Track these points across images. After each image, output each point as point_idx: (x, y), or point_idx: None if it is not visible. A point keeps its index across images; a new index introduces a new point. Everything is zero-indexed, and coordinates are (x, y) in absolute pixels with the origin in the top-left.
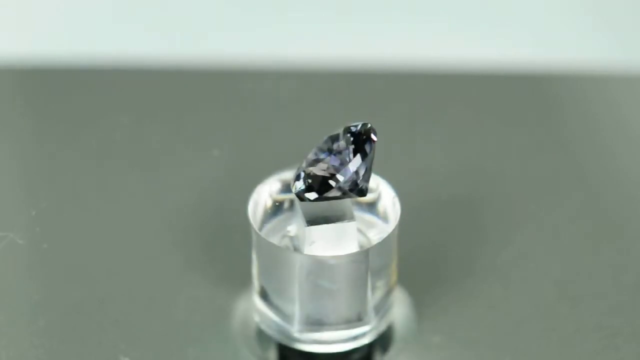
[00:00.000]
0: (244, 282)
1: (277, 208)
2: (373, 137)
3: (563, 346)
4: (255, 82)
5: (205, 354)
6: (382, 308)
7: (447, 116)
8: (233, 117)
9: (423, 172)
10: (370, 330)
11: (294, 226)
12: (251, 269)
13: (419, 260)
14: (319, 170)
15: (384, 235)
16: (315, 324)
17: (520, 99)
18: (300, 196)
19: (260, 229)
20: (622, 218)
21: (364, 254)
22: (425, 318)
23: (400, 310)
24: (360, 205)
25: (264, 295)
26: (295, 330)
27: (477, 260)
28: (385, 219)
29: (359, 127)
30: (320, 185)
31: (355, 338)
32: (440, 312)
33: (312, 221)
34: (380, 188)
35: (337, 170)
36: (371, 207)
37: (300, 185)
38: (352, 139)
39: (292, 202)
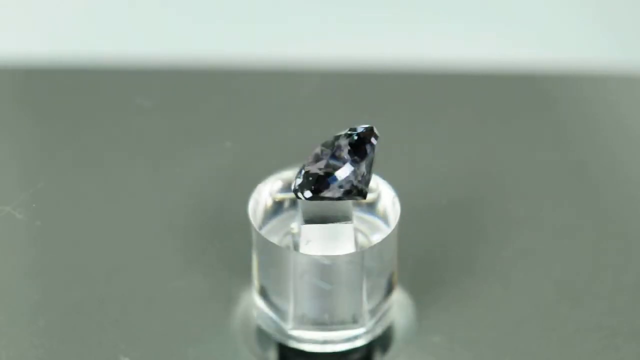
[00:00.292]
0: (244, 281)
1: (277, 207)
2: (372, 140)
3: (563, 346)
4: (255, 82)
5: (205, 354)
6: (379, 311)
7: (447, 116)
8: (233, 117)
9: (423, 172)
10: (365, 333)
11: (296, 224)
12: (251, 268)
13: (419, 260)
14: (316, 168)
15: (384, 235)
16: (310, 323)
17: (520, 99)
18: (296, 194)
19: (261, 228)
20: (622, 218)
21: (359, 256)
22: (425, 318)
23: (400, 310)
24: (360, 205)
25: (262, 292)
26: (289, 327)
27: (477, 260)
28: (385, 219)
29: (360, 129)
30: (315, 183)
31: (349, 339)
32: (440, 312)
33: (310, 220)
34: (380, 188)
35: (335, 170)
36: (371, 207)
37: (297, 182)
38: (352, 140)
39: (293, 201)
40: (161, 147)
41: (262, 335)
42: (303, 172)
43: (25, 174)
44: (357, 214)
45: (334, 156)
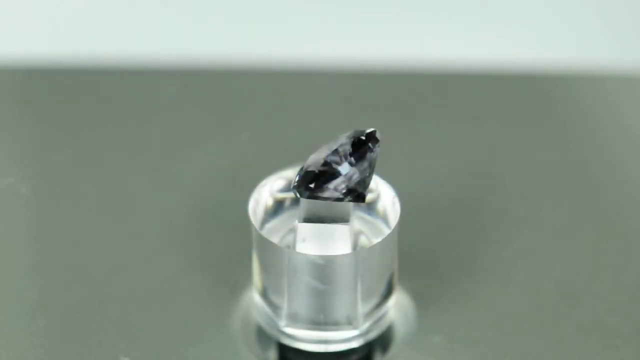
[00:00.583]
0: (244, 282)
1: (278, 206)
2: (372, 144)
3: (563, 346)
4: (255, 82)
5: (205, 354)
6: (375, 314)
7: (447, 116)
8: (233, 117)
9: (423, 172)
10: (359, 336)
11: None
12: (251, 268)
13: (419, 260)
14: (314, 167)
15: (382, 237)
16: (304, 321)
17: (520, 99)
18: (294, 191)
19: (261, 227)
20: (622, 218)
21: (353, 257)
22: (425, 318)
23: (400, 310)
24: (360, 205)
25: (261, 289)
26: (283, 324)
27: (477, 260)
28: (385, 219)
29: (363, 132)
30: (311, 182)
31: (343, 341)
32: (440, 312)
33: (307, 219)
34: (380, 188)
35: (333, 170)
36: (371, 207)
37: (296, 180)
38: (353, 142)
39: (294, 201)
40: (161, 147)
41: (262, 335)
42: (302, 170)
43: (24, 174)
44: (358, 213)
45: (333, 157)
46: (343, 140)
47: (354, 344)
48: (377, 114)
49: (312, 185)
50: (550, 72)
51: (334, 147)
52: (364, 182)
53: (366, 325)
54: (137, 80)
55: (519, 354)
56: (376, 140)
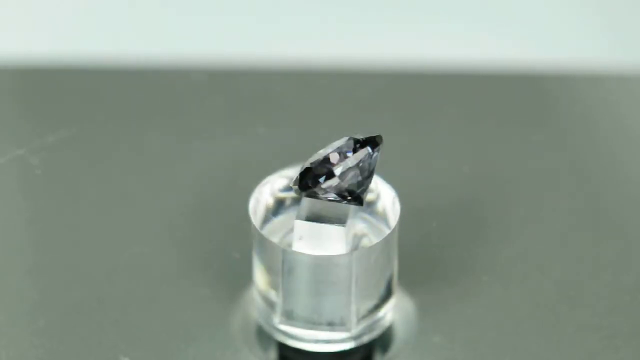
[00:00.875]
0: (244, 282)
1: (278, 206)
2: (369, 149)
3: (563, 346)
4: (255, 82)
5: (205, 354)
6: (371, 317)
7: (447, 116)
8: (233, 117)
9: (423, 172)
10: (351, 338)
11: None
12: (251, 267)
13: (419, 260)
14: (312, 165)
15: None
16: (298, 319)
17: (520, 99)
18: (292, 188)
19: (261, 227)
20: (622, 218)
21: (347, 258)
22: (425, 318)
23: (400, 310)
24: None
25: (258, 285)
26: (277, 321)
27: (477, 260)
28: (385, 219)
29: (365, 136)
30: (307, 179)
31: (335, 342)
32: (440, 312)
33: (305, 217)
34: (380, 188)
35: (329, 170)
36: (371, 207)
37: (295, 177)
38: (354, 145)
39: (295, 200)
40: (161, 147)
41: (262, 335)
42: (302, 168)
43: (24, 174)
44: (360, 214)
45: (330, 157)
46: (344, 142)
47: (347, 346)
48: (377, 114)
49: (305, 183)
50: (550, 72)
51: (334, 148)
52: (361, 185)
53: (360, 327)
54: (137, 80)
55: (519, 354)
56: (376, 145)
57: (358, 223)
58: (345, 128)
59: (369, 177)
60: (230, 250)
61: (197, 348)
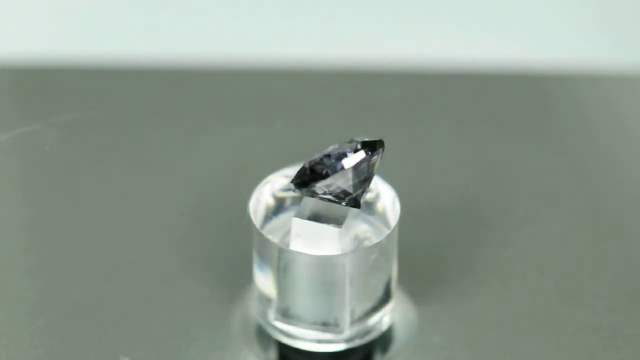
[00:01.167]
0: (244, 282)
1: (279, 205)
2: (364, 152)
3: (563, 346)
4: (255, 82)
5: (205, 354)
6: (366, 321)
7: (447, 116)
8: (233, 117)
9: (423, 172)
10: (344, 340)
11: None
12: (251, 267)
13: (419, 260)
14: (309, 165)
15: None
16: (293, 317)
17: (520, 99)
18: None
19: (262, 226)
20: (622, 218)
21: (342, 259)
22: (425, 318)
23: (400, 310)
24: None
25: (258, 282)
26: (272, 318)
27: (477, 260)
28: (385, 219)
29: (366, 139)
30: (302, 178)
31: (328, 342)
32: (440, 312)
33: (303, 215)
34: (380, 188)
35: (322, 171)
36: (371, 207)
37: (294, 175)
38: (355, 148)
39: (295, 199)
40: (161, 147)
41: (262, 335)
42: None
43: (24, 174)
44: (362, 215)
45: (326, 158)
46: (344, 144)
47: (339, 347)
48: (377, 114)
49: (300, 181)
50: (550, 72)
51: (333, 149)
52: (358, 188)
53: (354, 330)
54: (137, 80)
55: (519, 354)
56: (374, 149)
57: (361, 225)
58: (345, 128)
59: (366, 180)
60: (230, 250)
61: (197, 348)
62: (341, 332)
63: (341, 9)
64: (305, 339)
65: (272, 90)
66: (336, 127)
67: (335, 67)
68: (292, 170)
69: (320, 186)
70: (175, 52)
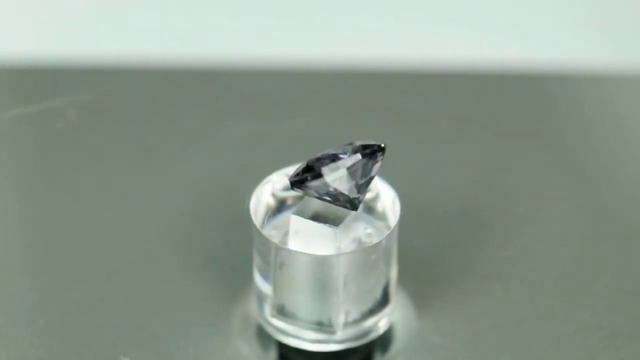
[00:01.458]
0: (244, 282)
1: (279, 205)
2: (360, 155)
3: (563, 346)
4: (255, 82)
5: (205, 354)
6: (362, 323)
7: (447, 116)
8: (233, 117)
9: (423, 172)
10: (337, 341)
11: None
12: (251, 267)
13: (419, 260)
14: (307, 164)
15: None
16: (288, 315)
17: (520, 99)
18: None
19: (262, 226)
20: (622, 218)
21: (335, 259)
22: (425, 318)
23: (400, 310)
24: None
25: (258, 280)
26: (267, 314)
27: (477, 260)
28: (385, 219)
29: (367, 143)
30: (299, 177)
31: (323, 342)
32: (440, 312)
33: (302, 213)
34: (379, 188)
35: (317, 172)
36: (371, 207)
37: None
38: (355, 150)
39: (295, 199)
40: (161, 147)
41: (262, 335)
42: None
43: (24, 174)
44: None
45: (323, 159)
46: (344, 147)
47: (332, 348)
48: (377, 114)
49: (296, 179)
50: (550, 72)
51: (333, 150)
52: (354, 190)
53: (348, 331)
54: (137, 80)
55: (519, 354)
56: (372, 153)
57: (363, 227)
58: (345, 128)
59: (363, 183)
60: (230, 250)
61: (197, 348)
62: (334, 332)
63: (341, 9)
64: (300, 337)
65: (272, 90)
66: (336, 127)
67: (335, 67)
68: (292, 170)
69: (315, 186)
70: (175, 52)
